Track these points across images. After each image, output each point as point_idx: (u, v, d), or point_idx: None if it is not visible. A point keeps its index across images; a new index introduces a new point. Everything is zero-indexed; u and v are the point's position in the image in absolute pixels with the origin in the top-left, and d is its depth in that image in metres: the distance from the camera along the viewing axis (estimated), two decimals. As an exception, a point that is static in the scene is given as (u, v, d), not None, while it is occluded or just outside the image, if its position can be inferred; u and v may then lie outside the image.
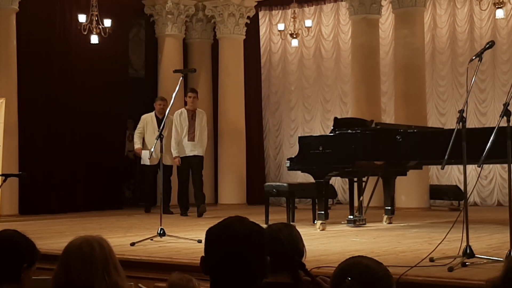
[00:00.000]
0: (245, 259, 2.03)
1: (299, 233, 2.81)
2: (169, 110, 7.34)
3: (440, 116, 11.77)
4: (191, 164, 9.81)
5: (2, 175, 7.31)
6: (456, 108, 10.55)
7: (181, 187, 9.98)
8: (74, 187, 10.92)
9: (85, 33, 10.65)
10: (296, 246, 2.73)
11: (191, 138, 9.79)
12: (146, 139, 10.35)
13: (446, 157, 4.74)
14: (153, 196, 11.12)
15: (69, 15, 11.01)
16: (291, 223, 7.15)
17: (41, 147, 10.56)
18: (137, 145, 10.39)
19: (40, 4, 10.66)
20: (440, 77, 11.87)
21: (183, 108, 9.94)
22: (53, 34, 10.88)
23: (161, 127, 7.31)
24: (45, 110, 10.59)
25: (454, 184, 11.27)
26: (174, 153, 9.84)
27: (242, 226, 2.09)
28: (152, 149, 7.52)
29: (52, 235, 7.03)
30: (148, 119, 10.40)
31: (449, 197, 10.96)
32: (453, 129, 4.78)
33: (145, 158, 10.05)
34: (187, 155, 9.79)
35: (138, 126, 10.48)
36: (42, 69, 10.65)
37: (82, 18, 10.65)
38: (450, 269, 4.25)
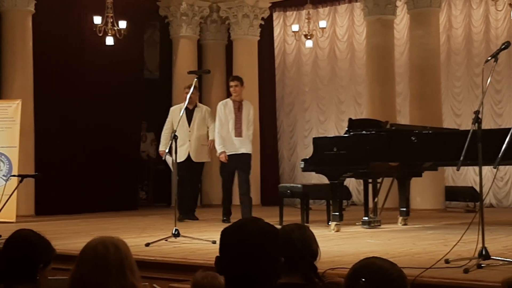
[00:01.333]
0: (259, 259, 2.04)
1: (312, 234, 2.81)
2: (186, 104, 7.34)
3: (456, 117, 11.70)
4: (238, 164, 8.50)
5: (18, 175, 7.37)
6: (472, 109, 10.48)
7: (225, 189, 8.84)
8: (89, 188, 10.96)
9: (100, 34, 10.71)
10: (309, 246, 2.72)
11: (238, 133, 8.48)
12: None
13: (461, 158, 4.72)
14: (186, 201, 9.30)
15: (84, 17, 11.06)
16: (305, 224, 7.13)
17: (57, 148, 10.62)
18: (161, 147, 9.03)
19: (56, 5, 10.72)
20: (456, 78, 11.79)
21: (228, 99, 8.75)
22: (68, 35, 10.93)
23: (177, 125, 7.24)
24: (60, 111, 10.65)
25: (470, 185, 11.19)
26: (219, 148, 8.55)
27: (256, 226, 2.10)
28: (167, 150, 7.39)
29: (68, 235, 7.06)
30: (176, 112, 8.88)
31: (464, 199, 10.89)
32: (469, 130, 4.76)
33: (169, 163, 8.30)
34: (234, 152, 8.50)
35: (166, 121, 9.13)
36: (58, 71, 10.70)
37: (97, 19, 10.72)
38: (466, 271, 4.23)
